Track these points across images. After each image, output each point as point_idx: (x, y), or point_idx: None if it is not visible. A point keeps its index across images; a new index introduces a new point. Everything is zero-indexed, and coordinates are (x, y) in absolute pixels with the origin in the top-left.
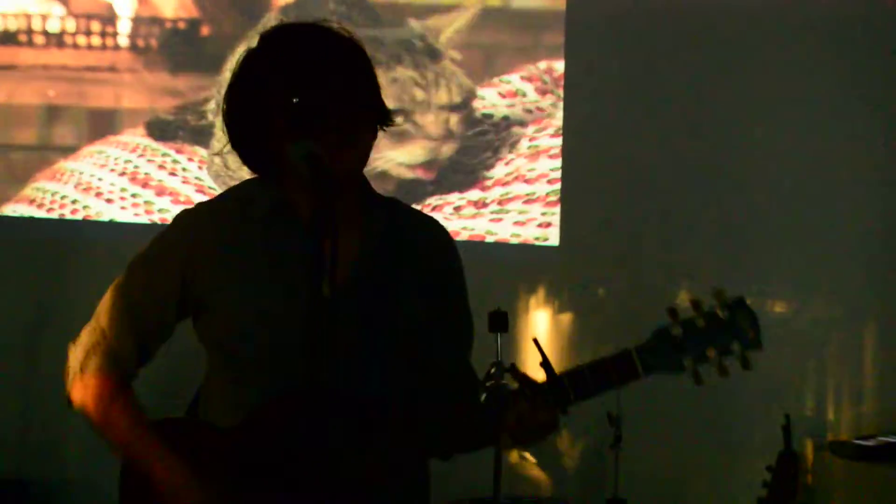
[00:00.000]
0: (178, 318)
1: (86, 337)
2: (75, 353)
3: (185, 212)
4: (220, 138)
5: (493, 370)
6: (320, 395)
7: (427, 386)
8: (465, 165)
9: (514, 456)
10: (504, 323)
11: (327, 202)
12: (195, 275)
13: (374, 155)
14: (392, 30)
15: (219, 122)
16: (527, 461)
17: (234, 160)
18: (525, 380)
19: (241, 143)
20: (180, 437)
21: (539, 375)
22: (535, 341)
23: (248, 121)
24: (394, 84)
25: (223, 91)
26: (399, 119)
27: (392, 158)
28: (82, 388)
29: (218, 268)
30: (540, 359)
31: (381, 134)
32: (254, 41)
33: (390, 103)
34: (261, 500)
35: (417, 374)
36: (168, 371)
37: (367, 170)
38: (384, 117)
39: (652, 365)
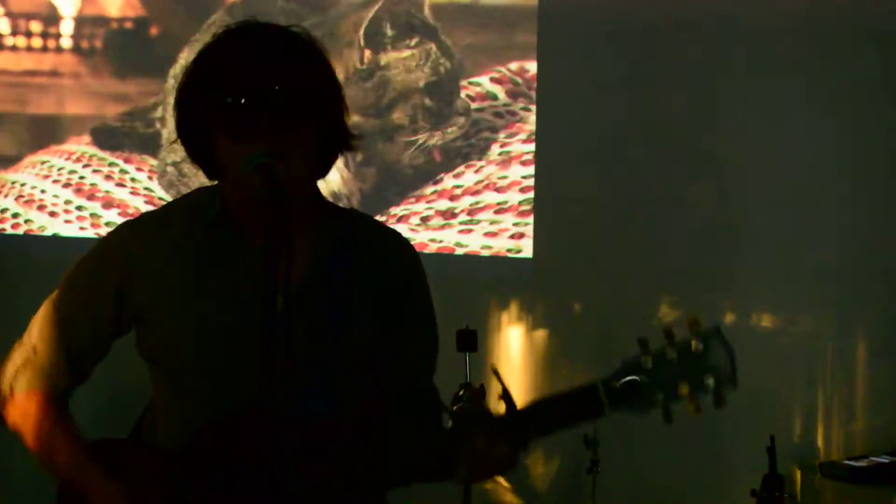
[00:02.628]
0: (113, 334)
1: (16, 355)
2: (4, 373)
3: (123, 224)
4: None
5: (461, 392)
6: (266, 417)
7: (386, 406)
8: (433, 172)
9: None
10: (473, 342)
11: (280, 215)
12: (132, 288)
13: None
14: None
15: (164, 132)
16: (500, 486)
17: (189, 168)
18: (484, 413)
19: (185, 137)
20: (119, 460)
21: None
22: (495, 371)
23: (192, 113)
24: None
25: (168, 95)
26: (357, 143)
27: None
28: (13, 408)
29: (157, 280)
30: (500, 391)
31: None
32: (196, 45)
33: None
34: None
35: (374, 394)
36: (114, 391)
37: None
38: (340, 133)
39: (619, 400)
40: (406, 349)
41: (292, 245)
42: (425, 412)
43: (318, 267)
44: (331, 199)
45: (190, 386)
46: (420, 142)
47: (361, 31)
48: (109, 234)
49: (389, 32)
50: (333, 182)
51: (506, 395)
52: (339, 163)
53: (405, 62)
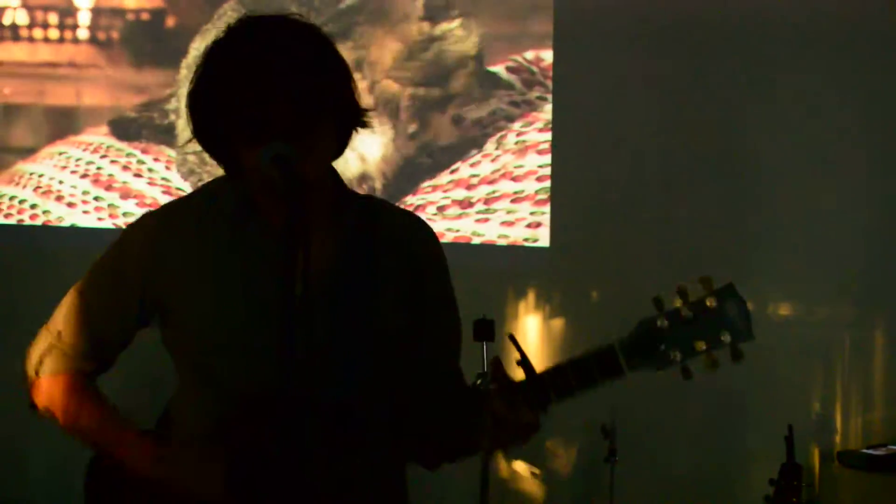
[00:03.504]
0: (137, 324)
1: (41, 340)
2: (30, 359)
3: (146, 215)
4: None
5: (478, 382)
6: (291, 400)
7: (412, 389)
8: (448, 162)
9: (504, 470)
10: (490, 331)
11: (298, 205)
12: (156, 279)
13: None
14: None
15: (179, 122)
16: (518, 475)
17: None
18: (503, 378)
19: (202, 141)
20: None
21: (518, 375)
22: (512, 338)
23: (208, 119)
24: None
25: (181, 86)
26: (372, 118)
27: (367, 154)
28: (40, 392)
29: (180, 271)
30: (518, 357)
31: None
32: (211, 34)
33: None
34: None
35: (400, 377)
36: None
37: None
38: (356, 115)
39: (637, 361)
40: (429, 334)
41: (311, 233)
42: (452, 392)
43: (340, 253)
44: (359, 182)
45: (216, 374)
46: (469, 114)
47: (420, 3)
48: (132, 224)
49: (442, 3)
50: (369, 162)
51: (524, 361)
52: (384, 140)
53: (454, 32)
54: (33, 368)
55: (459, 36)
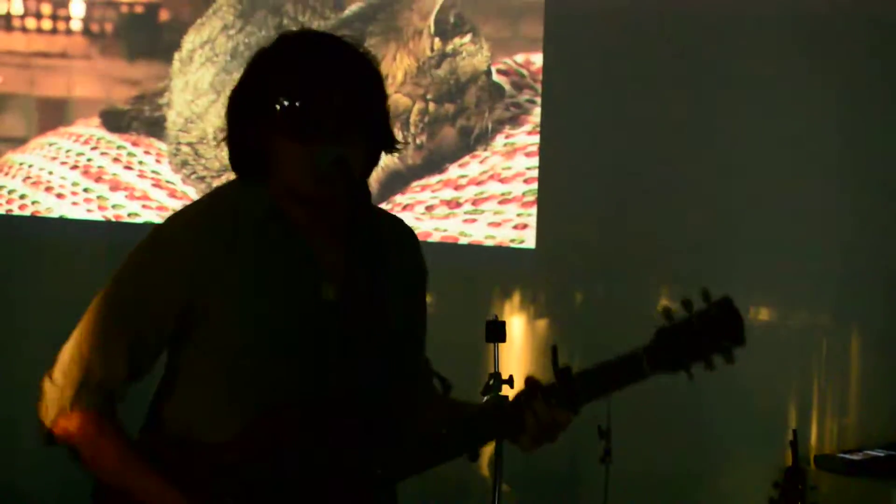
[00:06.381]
0: (173, 332)
1: (70, 367)
2: (58, 387)
3: (174, 221)
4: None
5: (491, 382)
6: (320, 404)
7: (409, 381)
8: (438, 163)
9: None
10: (502, 332)
11: (360, 205)
12: (197, 289)
13: None
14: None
15: (171, 114)
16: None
17: (206, 149)
18: (536, 383)
19: (235, 145)
20: (172, 456)
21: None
22: (554, 348)
23: (249, 120)
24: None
25: (174, 79)
26: (401, 148)
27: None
28: (69, 426)
29: (217, 280)
30: (554, 364)
31: None
32: (206, 29)
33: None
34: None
35: (401, 371)
36: None
37: None
38: (388, 139)
39: (657, 365)
40: (419, 330)
41: (331, 236)
42: (428, 387)
43: (356, 257)
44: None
45: (248, 378)
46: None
47: (432, 20)
48: (161, 232)
49: (452, 20)
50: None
51: (561, 368)
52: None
53: (465, 47)
54: (67, 400)
55: (471, 51)
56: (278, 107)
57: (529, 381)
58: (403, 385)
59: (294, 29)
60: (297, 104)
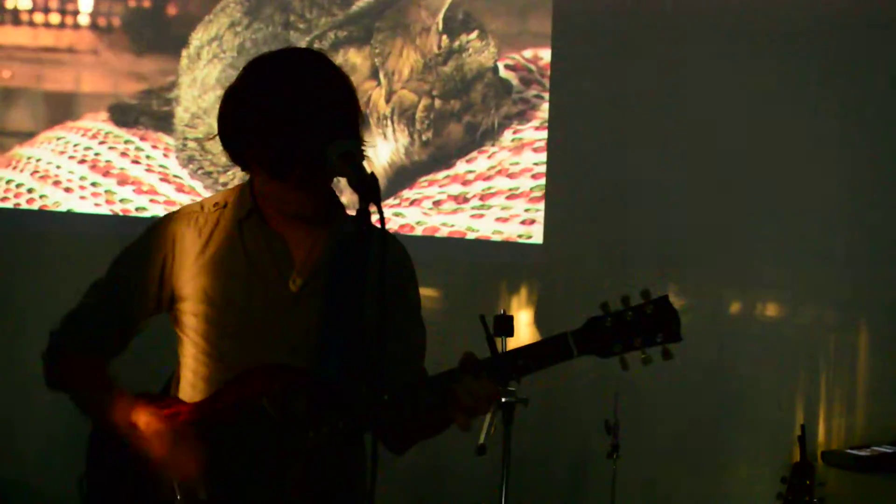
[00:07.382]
0: (153, 310)
1: (65, 322)
2: (54, 338)
3: (166, 215)
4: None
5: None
6: (282, 371)
7: (391, 381)
8: (444, 158)
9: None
10: (510, 326)
11: (371, 196)
12: (173, 271)
13: None
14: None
15: (178, 110)
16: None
17: (212, 145)
18: (469, 357)
19: (230, 144)
20: (154, 405)
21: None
22: (482, 318)
23: (246, 123)
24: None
25: (181, 75)
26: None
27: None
28: (61, 366)
29: (193, 264)
30: (488, 339)
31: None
32: (214, 25)
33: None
34: (223, 459)
35: (379, 370)
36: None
37: None
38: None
39: (585, 347)
40: (406, 336)
41: (309, 232)
42: (420, 388)
43: (332, 256)
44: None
45: (218, 353)
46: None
47: (440, 17)
48: (153, 223)
49: (461, 17)
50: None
51: (490, 341)
52: (395, 147)
53: (472, 44)
54: (58, 345)
55: (477, 47)
56: (249, 144)
57: (464, 356)
58: (379, 376)
59: (261, 53)
60: (291, 113)
